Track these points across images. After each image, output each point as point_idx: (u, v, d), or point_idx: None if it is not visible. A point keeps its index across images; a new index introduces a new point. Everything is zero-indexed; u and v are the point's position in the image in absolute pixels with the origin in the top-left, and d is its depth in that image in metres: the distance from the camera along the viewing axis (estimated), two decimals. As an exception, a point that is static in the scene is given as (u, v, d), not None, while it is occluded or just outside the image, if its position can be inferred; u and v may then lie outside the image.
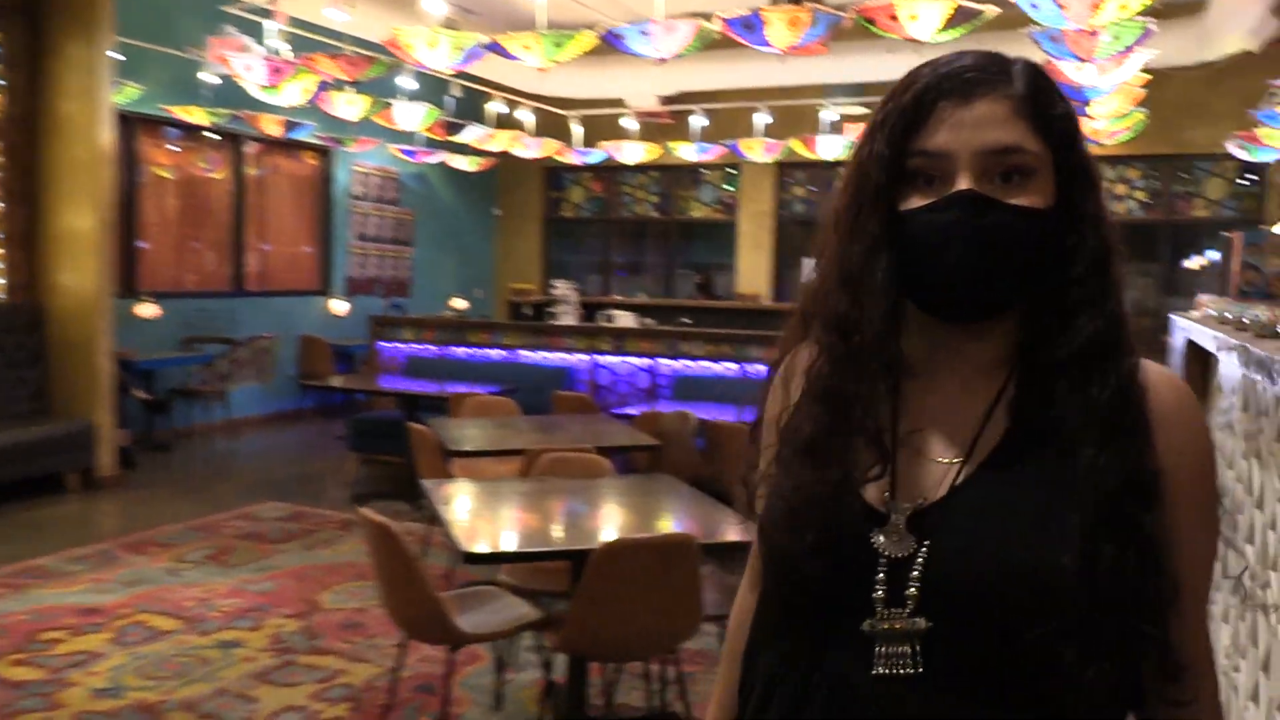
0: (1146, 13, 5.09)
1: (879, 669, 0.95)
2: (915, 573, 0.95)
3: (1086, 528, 0.92)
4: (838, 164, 12.04)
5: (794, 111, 10.61)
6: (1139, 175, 11.52)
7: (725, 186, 12.95)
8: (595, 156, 10.31)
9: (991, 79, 0.97)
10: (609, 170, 13.00)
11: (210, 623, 4.47)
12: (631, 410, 6.33)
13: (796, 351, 1.12)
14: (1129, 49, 5.58)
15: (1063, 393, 0.97)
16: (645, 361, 7.40)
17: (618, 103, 11.01)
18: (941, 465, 1.00)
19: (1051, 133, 0.98)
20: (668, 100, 11.33)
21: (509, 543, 3.11)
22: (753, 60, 10.22)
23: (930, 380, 1.03)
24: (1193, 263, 11.65)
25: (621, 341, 7.48)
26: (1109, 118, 7.50)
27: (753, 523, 1.11)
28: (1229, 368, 3.04)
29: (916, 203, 0.98)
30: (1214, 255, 11.65)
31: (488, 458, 4.60)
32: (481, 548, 2.91)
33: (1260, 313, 2.43)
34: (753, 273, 12.57)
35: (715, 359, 7.15)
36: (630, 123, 10.39)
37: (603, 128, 10.84)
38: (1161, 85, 8.16)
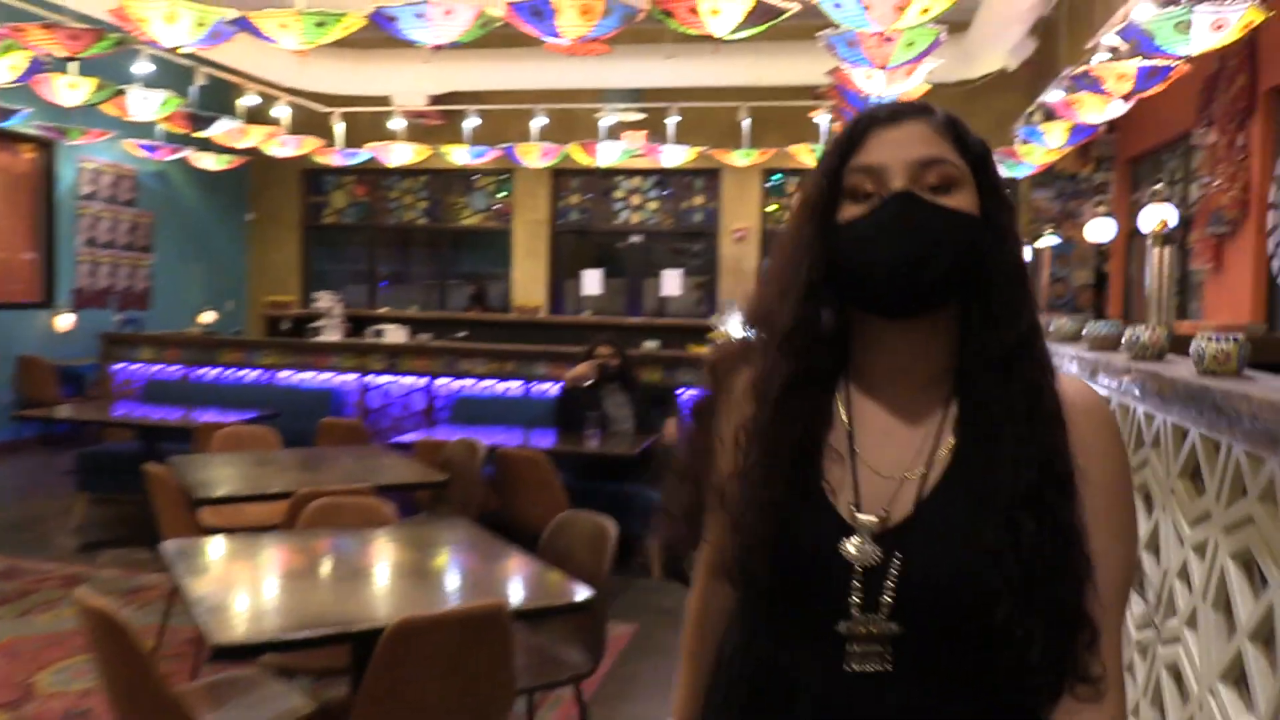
0: (938, 20, 5.00)
1: (852, 666, 1.05)
2: (890, 583, 1.04)
3: (1009, 510, 1.01)
4: (615, 171, 11.83)
5: (570, 116, 10.24)
6: (904, 188, 11.83)
7: (499, 193, 12.43)
8: (359, 158, 9.59)
9: (915, 109, 1.11)
10: (374, 174, 12.22)
11: (-116, 722, 3.60)
12: (408, 437, 5.73)
13: (738, 372, 1.18)
14: (920, 57, 5.49)
15: (986, 394, 1.07)
16: (421, 381, 6.80)
17: (384, 101, 10.31)
18: (898, 479, 1.08)
19: (970, 153, 1.09)
20: (438, 100, 10.72)
21: (272, 624, 2.51)
22: (528, 60, 9.79)
23: (879, 393, 1.12)
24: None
25: (395, 360, 6.84)
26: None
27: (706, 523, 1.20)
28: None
29: (855, 213, 1.08)
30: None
31: (244, 504, 3.94)
32: (236, 634, 2.32)
33: (1141, 332, 2.18)
34: (529, 284, 12.10)
35: (499, 377, 6.64)
36: (398, 123, 9.72)
37: (367, 127, 10.11)
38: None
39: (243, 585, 2.79)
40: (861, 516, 1.07)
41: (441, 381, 6.74)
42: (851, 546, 1.05)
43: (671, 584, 5.51)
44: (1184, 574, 1.93)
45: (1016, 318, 1.08)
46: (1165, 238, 3.80)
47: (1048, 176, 11.19)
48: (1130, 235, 9.41)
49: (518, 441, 5.88)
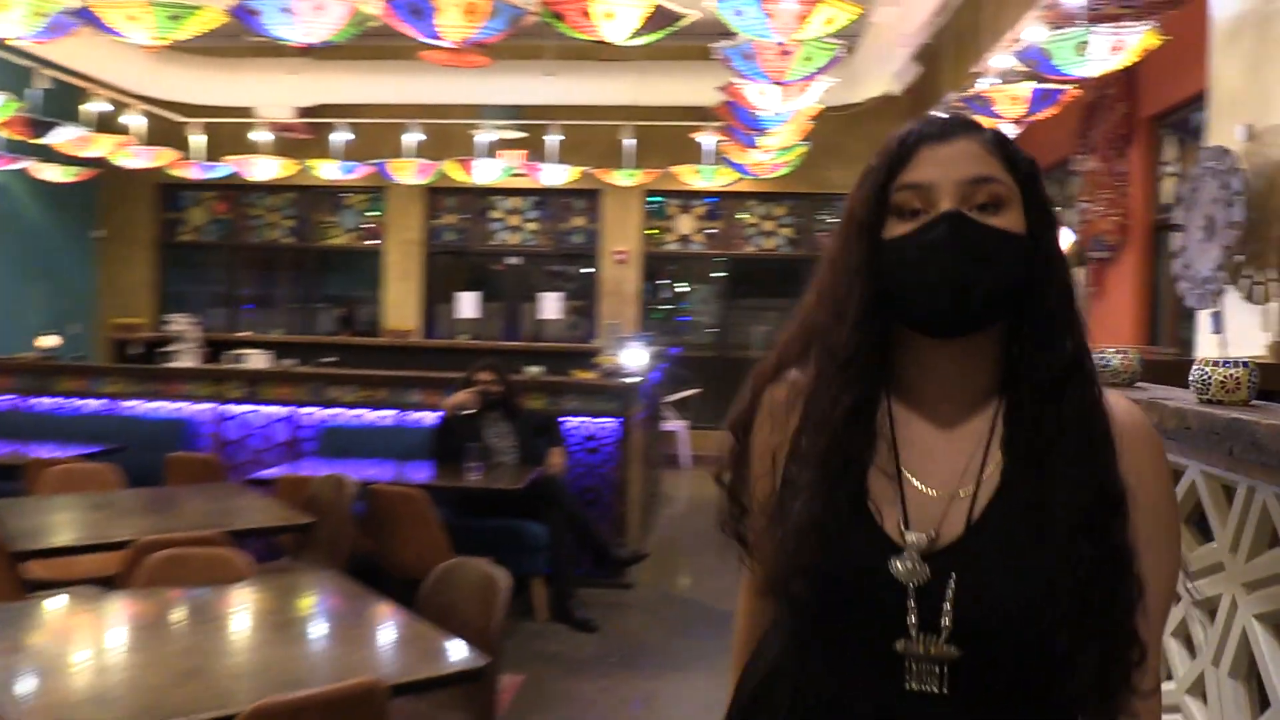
0: (839, 34, 4.82)
1: (910, 685, 1.05)
2: (947, 605, 1.03)
3: (1065, 537, 1.02)
4: (492, 190, 11.45)
5: (445, 132, 9.84)
6: (785, 212, 11.75)
7: (369, 212, 11.90)
8: (219, 171, 9.01)
9: (965, 126, 1.10)
10: (236, 189, 11.57)
11: None
12: (270, 472, 5.25)
13: (774, 387, 1.18)
14: (816, 73, 5.32)
15: (1038, 416, 1.06)
16: (285, 410, 6.29)
17: (247, 112, 9.74)
18: (945, 498, 1.08)
19: (1019, 172, 1.08)
20: (305, 113, 10.18)
21: (97, 715, 2.07)
22: (402, 73, 9.36)
23: (923, 409, 1.12)
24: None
25: (255, 387, 6.30)
26: (776, 149, 7.33)
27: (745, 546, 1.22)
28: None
29: (902, 231, 1.07)
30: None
31: (78, 555, 3.44)
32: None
33: (1110, 357, 1.95)
34: (401, 306, 11.60)
35: (369, 406, 6.18)
36: (262, 135, 9.18)
37: (229, 140, 9.53)
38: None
39: (65, 661, 2.33)
40: (909, 536, 1.06)
41: (307, 410, 6.24)
42: (900, 565, 1.05)
43: (560, 627, 5.15)
44: (1182, 632, 1.68)
45: (1064, 338, 1.06)
46: (1081, 257, 3.65)
47: (926, 203, 11.29)
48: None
49: (391, 475, 5.45)
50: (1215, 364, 1.55)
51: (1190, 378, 1.59)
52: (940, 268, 1.03)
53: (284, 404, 6.28)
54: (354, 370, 6.52)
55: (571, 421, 6.05)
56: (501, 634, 2.70)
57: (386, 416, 6.22)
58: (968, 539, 1.05)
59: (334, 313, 11.60)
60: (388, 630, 2.59)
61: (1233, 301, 3.85)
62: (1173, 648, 1.75)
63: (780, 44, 4.64)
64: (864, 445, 1.09)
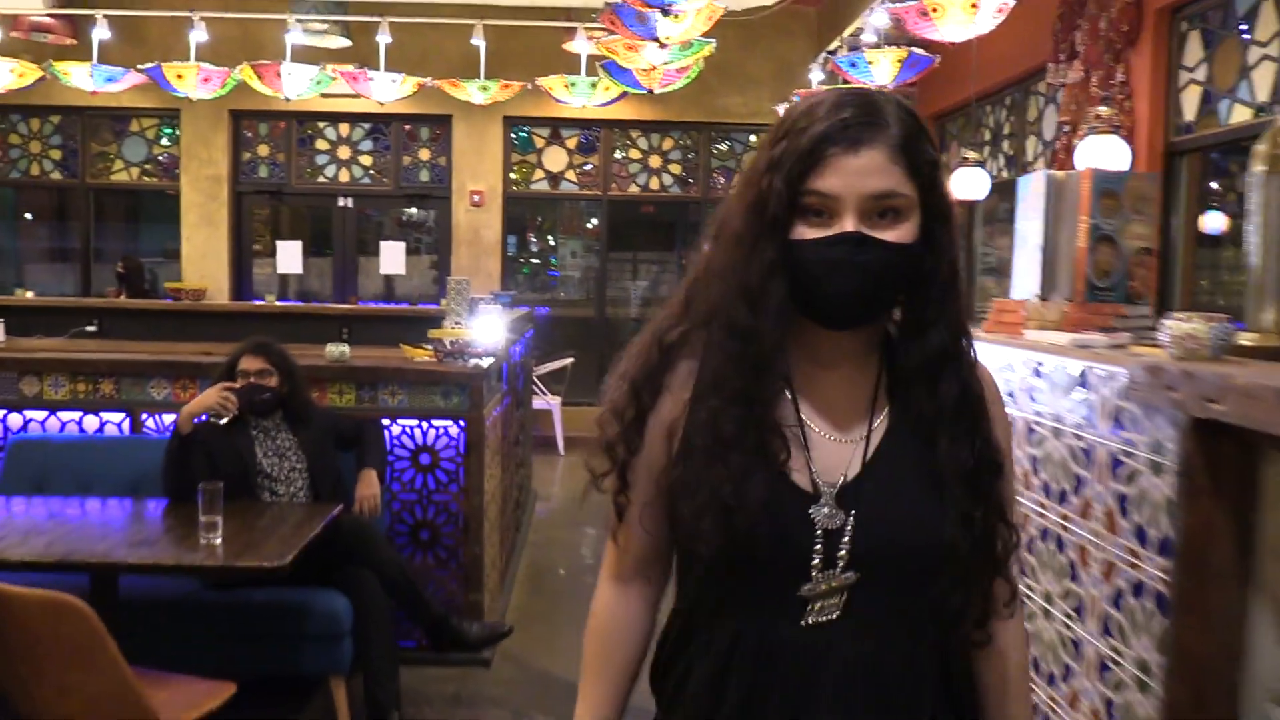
0: None
1: (808, 620, 1.17)
2: (846, 539, 1.17)
3: (959, 500, 1.18)
4: (315, 115, 9.33)
5: (248, 36, 7.69)
6: (673, 145, 9.89)
7: (161, 141, 9.57)
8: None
9: (873, 127, 1.14)
10: (-16, 111, 9.14)
11: None
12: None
13: (682, 357, 1.25)
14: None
15: (920, 392, 1.21)
16: (-41, 414, 4.18)
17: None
18: (844, 446, 1.21)
19: (920, 176, 1.16)
20: (64, 4, 7.85)
21: None
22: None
23: (815, 370, 1.24)
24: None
25: (-91, 379, 4.16)
26: (679, 43, 5.43)
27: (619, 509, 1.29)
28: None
29: (808, 234, 1.16)
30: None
31: None
32: None
33: None
34: (205, 260, 9.36)
35: (89, 408, 4.12)
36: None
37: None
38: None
39: None
40: (823, 483, 1.18)
41: (-4, 414, 4.16)
42: (823, 511, 1.17)
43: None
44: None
45: (945, 325, 1.20)
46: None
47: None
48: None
49: (123, 518, 3.47)
50: None
51: None
52: (840, 281, 1.14)
53: (-40, 404, 4.17)
54: (57, 352, 4.38)
55: (396, 426, 4.13)
56: None
57: (117, 424, 4.18)
58: (863, 479, 1.19)
59: (116, 267, 9.22)
60: None
61: None
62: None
63: None
64: (770, 406, 1.18)
